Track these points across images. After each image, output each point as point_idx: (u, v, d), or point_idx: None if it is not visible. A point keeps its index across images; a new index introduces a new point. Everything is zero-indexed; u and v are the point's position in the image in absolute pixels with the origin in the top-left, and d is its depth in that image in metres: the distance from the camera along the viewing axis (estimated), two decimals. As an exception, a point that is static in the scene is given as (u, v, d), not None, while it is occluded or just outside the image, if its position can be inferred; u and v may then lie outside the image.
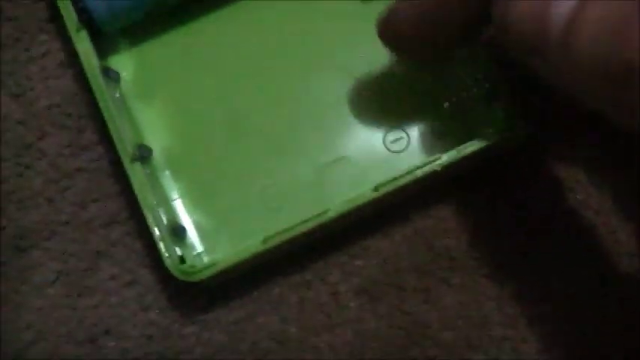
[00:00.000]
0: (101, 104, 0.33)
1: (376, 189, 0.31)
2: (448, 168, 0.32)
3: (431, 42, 0.29)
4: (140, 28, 0.35)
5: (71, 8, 0.33)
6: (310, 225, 0.31)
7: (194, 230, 0.33)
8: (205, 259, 0.33)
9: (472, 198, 0.34)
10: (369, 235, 0.34)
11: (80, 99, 0.36)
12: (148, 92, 0.35)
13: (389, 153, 0.34)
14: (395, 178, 0.31)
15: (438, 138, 0.34)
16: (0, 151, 0.35)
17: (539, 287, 0.33)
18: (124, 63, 0.35)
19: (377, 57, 0.34)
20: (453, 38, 0.29)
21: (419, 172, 0.31)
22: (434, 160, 0.31)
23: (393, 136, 0.34)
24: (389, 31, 0.30)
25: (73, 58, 0.36)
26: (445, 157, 0.31)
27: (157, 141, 0.34)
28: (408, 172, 0.31)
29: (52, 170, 0.35)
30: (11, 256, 0.35)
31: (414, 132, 0.34)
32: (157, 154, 0.34)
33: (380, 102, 0.34)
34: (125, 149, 0.32)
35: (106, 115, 0.32)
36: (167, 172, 0.34)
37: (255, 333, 0.33)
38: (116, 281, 0.34)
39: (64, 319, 0.34)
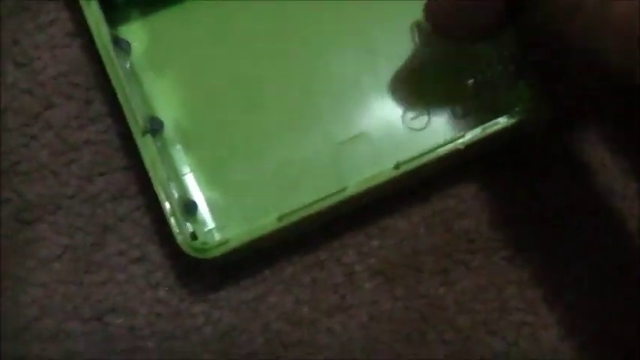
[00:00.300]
0: (111, 75, 0.31)
1: (397, 167, 0.30)
2: (471, 147, 0.30)
3: (470, 28, 0.28)
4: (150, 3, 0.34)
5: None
6: (328, 203, 0.30)
7: (205, 206, 0.32)
8: (217, 236, 0.32)
9: (493, 179, 0.33)
10: (387, 214, 0.33)
11: (88, 69, 0.35)
12: (159, 64, 0.34)
13: (408, 131, 0.33)
14: (417, 156, 0.30)
15: (460, 116, 0.33)
16: (5, 121, 0.34)
17: (561, 272, 0.32)
18: (134, 33, 0.34)
19: (398, 33, 0.33)
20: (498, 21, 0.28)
21: (442, 151, 0.30)
22: (457, 138, 0.30)
23: (413, 113, 0.33)
24: (435, 15, 0.29)
25: (81, 27, 0.35)
26: (469, 136, 0.30)
27: (168, 114, 0.33)
28: (431, 150, 0.30)
29: (58, 142, 0.34)
30: (15, 229, 0.34)
31: (435, 110, 0.33)
32: (169, 128, 0.33)
33: (400, 78, 0.33)
34: (136, 121, 0.31)
35: (116, 85, 0.31)
36: (178, 147, 0.33)
37: (267, 313, 0.32)
38: (124, 257, 0.33)
39: (70, 295, 0.33)
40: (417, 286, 0.33)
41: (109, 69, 0.31)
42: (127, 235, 0.33)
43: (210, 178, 0.32)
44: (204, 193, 0.32)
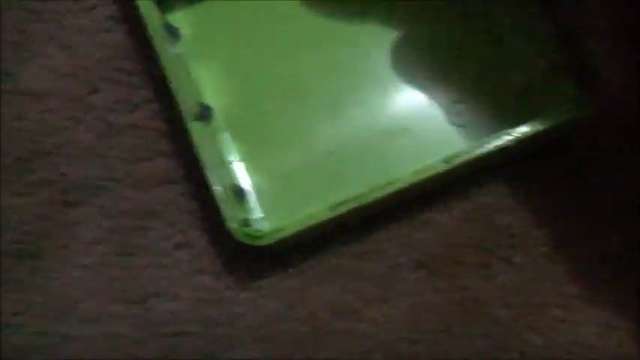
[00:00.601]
0: (162, 60, 0.32)
1: (447, 161, 0.31)
2: (518, 144, 0.31)
3: None
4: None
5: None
6: (379, 193, 0.31)
7: (253, 194, 0.33)
8: (264, 224, 0.32)
9: (535, 176, 0.34)
10: (429, 208, 0.33)
11: (133, 55, 0.35)
12: (206, 51, 0.34)
13: (452, 126, 0.33)
14: (466, 150, 0.31)
15: (503, 112, 0.33)
16: (49, 104, 0.34)
17: (599, 271, 0.33)
18: (182, 21, 0.34)
19: (443, 30, 0.34)
20: None
21: (490, 146, 0.31)
22: (506, 134, 0.31)
23: (457, 109, 0.33)
24: None
25: (126, 12, 0.35)
26: (518, 132, 0.31)
27: (216, 102, 0.34)
28: (480, 145, 0.31)
29: (102, 125, 0.34)
30: (60, 211, 0.34)
31: (478, 105, 0.33)
32: (217, 115, 0.33)
33: (444, 73, 0.34)
34: (187, 107, 0.31)
35: (167, 71, 0.32)
36: (226, 134, 0.33)
37: (312, 302, 0.33)
38: (169, 242, 0.34)
39: (114, 278, 0.33)
40: (459, 279, 0.33)
41: (159, 53, 0.32)
42: (172, 221, 0.34)
43: (257, 166, 0.33)
44: (251, 181, 0.33)
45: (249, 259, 0.33)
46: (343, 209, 0.31)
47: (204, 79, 0.34)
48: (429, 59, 0.34)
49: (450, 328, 0.33)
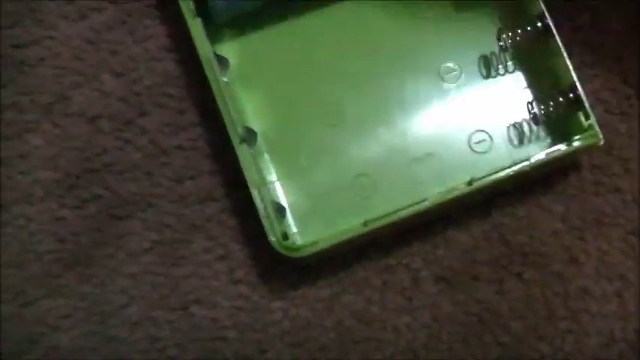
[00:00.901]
0: (213, 87, 0.35)
1: (470, 183, 0.34)
2: (535, 169, 0.34)
3: None
4: (245, 20, 0.37)
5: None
6: (409, 212, 0.34)
7: (289, 211, 0.36)
8: (300, 239, 0.35)
9: (548, 200, 0.37)
10: (451, 227, 0.37)
11: (182, 82, 0.38)
12: (249, 79, 0.37)
13: (473, 153, 0.36)
14: (488, 174, 0.34)
15: (520, 141, 0.37)
16: (100, 126, 0.37)
17: (604, 285, 0.36)
18: (227, 51, 0.37)
19: (466, 63, 0.37)
20: None
21: (510, 171, 0.34)
22: (524, 160, 0.34)
23: (477, 137, 0.37)
24: None
25: (176, 42, 0.38)
26: (534, 159, 0.34)
27: (256, 125, 0.36)
28: (501, 170, 0.34)
29: (151, 146, 0.37)
30: (108, 223, 0.37)
31: (498, 134, 0.37)
32: (258, 138, 0.36)
33: (465, 104, 0.37)
34: (235, 131, 0.34)
35: (217, 98, 0.35)
36: (266, 156, 0.36)
37: (340, 311, 0.36)
38: (209, 254, 0.36)
39: (157, 286, 0.36)
40: (475, 292, 0.36)
41: (211, 82, 0.35)
42: (213, 235, 0.37)
43: (294, 185, 0.36)
44: (288, 199, 0.36)
45: (282, 271, 0.36)
46: (374, 226, 0.34)
47: (247, 105, 0.37)
48: (453, 90, 0.37)
49: (466, 337, 0.36)
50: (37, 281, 0.36)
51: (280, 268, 0.36)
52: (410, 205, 0.34)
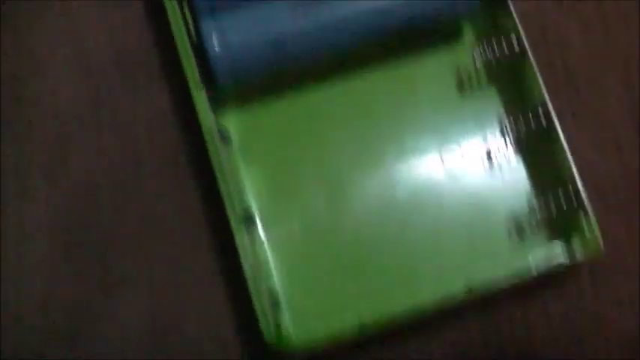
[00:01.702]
0: (214, 162, 0.34)
1: (469, 290, 0.34)
2: (535, 277, 0.34)
3: None
4: (246, 93, 0.36)
5: (194, 65, 0.34)
6: (404, 316, 0.33)
7: (285, 302, 0.35)
8: (295, 332, 0.34)
9: (544, 302, 0.37)
10: (447, 326, 0.36)
11: (183, 150, 0.37)
12: (250, 154, 0.36)
13: (472, 254, 0.36)
14: (487, 281, 0.34)
15: (521, 238, 0.36)
16: (100, 192, 0.36)
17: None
18: (229, 122, 0.36)
19: (471, 149, 0.37)
20: None
21: (510, 278, 0.34)
22: (524, 269, 0.34)
23: (477, 230, 0.36)
24: None
25: (178, 114, 0.37)
26: (532, 268, 0.34)
27: (255, 203, 0.36)
28: (500, 278, 0.34)
29: (147, 215, 0.37)
30: (101, 293, 0.36)
31: (498, 229, 0.36)
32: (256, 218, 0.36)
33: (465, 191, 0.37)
34: (233, 210, 0.33)
35: (219, 176, 0.34)
36: (264, 239, 0.35)
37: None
38: (201, 337, 0.36)
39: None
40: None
41: (212, 156, 0.34)
42: (206, 319, 0.36)
43: (291, 275, 0.35)
44: (284, 289, 0.35)
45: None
46: (371, 329, 0.33)
47: (246, 181, 0.36)
48: (452, 185, 0.37)
49: None
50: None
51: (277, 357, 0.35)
52: (406, 309, 0.33)
